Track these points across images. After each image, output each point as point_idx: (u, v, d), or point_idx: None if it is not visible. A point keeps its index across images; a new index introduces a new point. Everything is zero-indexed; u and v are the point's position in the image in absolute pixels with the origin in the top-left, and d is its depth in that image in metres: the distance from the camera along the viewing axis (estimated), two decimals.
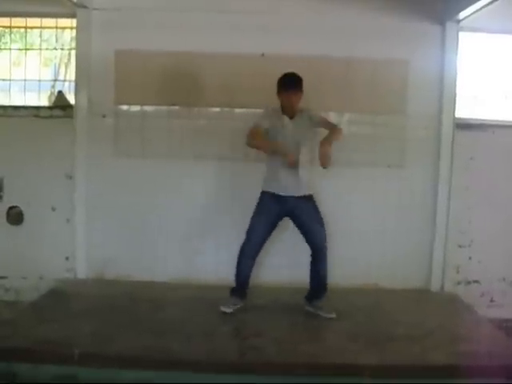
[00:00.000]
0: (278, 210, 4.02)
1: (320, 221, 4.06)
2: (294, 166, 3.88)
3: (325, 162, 3.75)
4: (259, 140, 3.92)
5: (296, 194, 3.99)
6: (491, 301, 4.87)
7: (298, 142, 3.96)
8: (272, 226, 4.07)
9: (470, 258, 4.86)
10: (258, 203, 4.08)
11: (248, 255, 4.08)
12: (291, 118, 4.01)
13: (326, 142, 3.80)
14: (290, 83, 3.95)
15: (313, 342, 3.62)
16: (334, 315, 4.04)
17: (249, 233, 4.05)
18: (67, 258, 4.81)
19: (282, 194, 3.99)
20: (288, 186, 3.97)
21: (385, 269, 4.73)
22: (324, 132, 3.94)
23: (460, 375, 3.22)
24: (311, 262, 4.11)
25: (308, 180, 4.05)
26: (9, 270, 4.80)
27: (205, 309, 4.12)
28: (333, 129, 3.95)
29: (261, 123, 3.96)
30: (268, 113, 4.06)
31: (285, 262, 4.68)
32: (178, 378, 3.20)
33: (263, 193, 4.07)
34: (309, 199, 4.06)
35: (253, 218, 4.05)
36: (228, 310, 4.03)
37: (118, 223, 4.78)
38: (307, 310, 4.16)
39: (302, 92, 3.99)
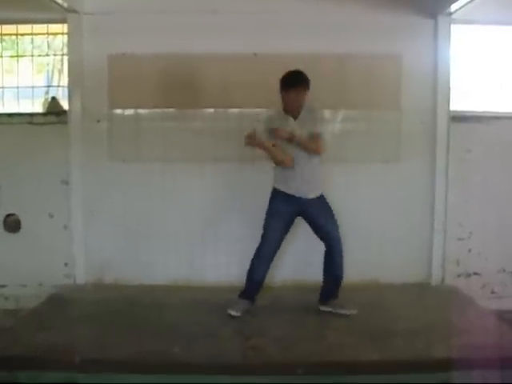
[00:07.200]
0: (290, 209, 3.89)
1: (332, 215, 3.95)
2: (291, 165, 3.83)
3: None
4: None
5: (307, 196, 3.89)
6: (492, 292, 4.87)
7: None
8: (287, 227, 3.96)
9: (469, 251, 4.86)
10: (270, 203, 3.96)
11: (263, 258, 3.94)
12: (295, 118, 3.87)
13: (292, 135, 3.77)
14: (289, 82, 3.79)
15: (314, 340, 3.60)
16: (355, 311, 3.95)
17: (264, 235, 3.93)
18: (66, 264, 4.80)
19: (292, 193, 3.89)
20: (298, 187, 3.86)
21: (384, 264, 4.72)
22: None
23: (464, 367, 3.20)
24: (325, 258, 4.00)
25: (320, 180, 3.98)
26: (8, 278, 4.79)
27: (205, 311, 4.11)
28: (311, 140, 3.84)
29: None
30: (270, 118, 3.95)
31: (288, 260, 4.64)
32: (180, 381, 3.17)
33: (275, 190, 3.97)
34: (320, 198, 3.95)
35: (266, 219, 3.94)
36: (236, 314, 3.90)
37: (115, 227, 4.76)
38: (323, 310, 4.04)
39: (306, 90, 3.83)
